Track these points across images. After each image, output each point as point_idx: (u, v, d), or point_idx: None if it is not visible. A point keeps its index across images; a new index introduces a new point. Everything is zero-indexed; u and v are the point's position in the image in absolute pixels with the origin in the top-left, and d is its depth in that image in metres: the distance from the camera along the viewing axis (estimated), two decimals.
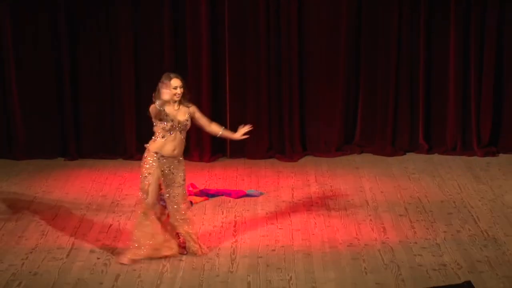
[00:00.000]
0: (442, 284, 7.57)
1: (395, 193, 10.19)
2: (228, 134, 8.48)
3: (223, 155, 11.72)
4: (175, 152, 8.22)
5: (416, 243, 8.71)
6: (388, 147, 11.69)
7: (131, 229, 8.49)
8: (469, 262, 8.21)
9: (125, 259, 8.25)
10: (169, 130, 8.17)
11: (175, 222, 8.34)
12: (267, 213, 9.60)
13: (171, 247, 8.39)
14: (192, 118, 8.30)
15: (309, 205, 9.83)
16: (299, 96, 11.62)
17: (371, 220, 9.38)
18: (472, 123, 11.65)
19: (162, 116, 8.13)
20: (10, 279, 7.94)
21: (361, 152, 11.76)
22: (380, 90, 11.70)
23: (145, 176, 8.22)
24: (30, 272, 8.11)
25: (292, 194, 10.21)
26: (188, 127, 8.27)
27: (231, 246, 8.71)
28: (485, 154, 11.49)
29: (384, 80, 11.66)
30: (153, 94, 8.14)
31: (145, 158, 8.26)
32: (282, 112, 11.60)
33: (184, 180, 8.35)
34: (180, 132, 8.21)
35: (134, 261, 8.21)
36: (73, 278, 7.99)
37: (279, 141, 11.65)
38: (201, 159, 11.51)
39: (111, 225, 9.28)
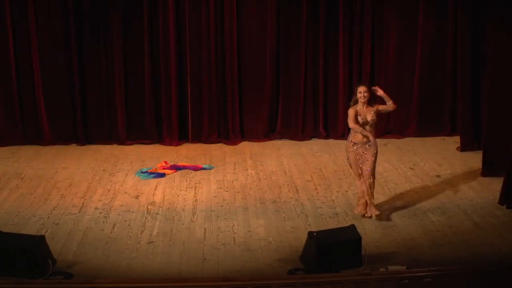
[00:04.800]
0: (335, 227, 7.64)
1: (304, 166, 10.20)
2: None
3: (187, 141, 11.51)
4: (364, 139, 7.93)
5: (318, 199, 8.78)
6: (299, 134, 11.60)
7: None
8: (353, 211, 8.30)
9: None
10: (362, 125, 7.90)
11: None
12: (217, 181, 9.58)
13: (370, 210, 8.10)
14: (379, 113, 7.97)
15: (246, 175, 9.83)
16: (239, 100, 11.50)
17: (288, 184, 9.41)
18: None
19: (356, 115, 7.88)
20: (40, 227, 7.93)
21: (281, 138, 11.62)
22: (294, 94, 11.56)
23: (347, 159, 8.09)
24: (53, 223, 8.10)
25: (234, 168, 10.18)
26: (375, 122, 7.93)
27: (193, 204, 8.72)
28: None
29: (296, 87, 11.53)
30: (351, 101, 8.01)
31: (346, 146, 8.08)
32: (227, 111, 11.48)
33: (373, 157, 7.97)
34: (370, 126, 7.91)
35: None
36: (83, 227, 8.00)
37: (225, 131, 11.53)
38: (171, 143, 11.33)
39: (109, 190, 9.22)
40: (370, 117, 7.93)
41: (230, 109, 11.50)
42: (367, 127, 7.93)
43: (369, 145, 8.00)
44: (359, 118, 7.94)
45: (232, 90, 11.46)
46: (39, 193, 9.07)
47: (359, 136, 7.96)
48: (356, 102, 7.99)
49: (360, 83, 8.26)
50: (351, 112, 7.94)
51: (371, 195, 8.08)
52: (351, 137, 8.05)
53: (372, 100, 8.01)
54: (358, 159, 8.03)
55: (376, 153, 8.06)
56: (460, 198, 8.75)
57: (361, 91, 7.93)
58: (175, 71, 11.30)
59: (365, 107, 7.94)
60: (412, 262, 6.93)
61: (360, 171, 8.06)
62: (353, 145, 8.01)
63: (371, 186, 8.07)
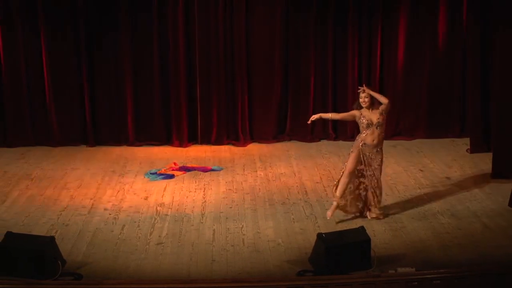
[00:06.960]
0: (345, 228, 7.62)
1: (313, 167, 10.18)
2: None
3: (196, 142, 11.53)
4: (374, 142, 7.96)
5: (327, 201, 8.72)
6: (308, 136, 11.60)
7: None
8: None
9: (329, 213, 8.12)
10: (367, 127, 7.96)
11: (369, 194, 8.10)
12: (226, 182, 9.59)
13: (357, 210, 8.18)
14: (384, 113, 7.98)
15: (255, 176, 9.83)
16: (248, 102, 11.53)
17: (297, 186, 9.40)
18: None
19: (360, 117, 7.96)
20: (50, 229, 7.95)
21: (290, 139, 11.62)
22: (303, 96, 11.57)
23: (349, 154, 8.05)
24: (63, 224, 8.11)
25: (243, 169, 10.18)
26: (382, 124, 7.97)
27: (202, 205, 8.72)
28: None
29: (305, 89, 11.54)
30: (354, 104, 8.09)
31: (354, 143, 8.07)
32: (236, 113, 11.50)
33: (379, 165, 8.04)
34: (377, 128, 7.95)
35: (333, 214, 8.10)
36: (93, 228, 8.01)
37: (234, 133, 11.54)
38: (180, 145, 11.34)
39: (118, 191, 9.24)
40: (375, 119, 7.98)
41: (239, 110, 11.52)
42: (374, 128, 7.96)
43: (377, 150, 8.02)
44: (364, 120, 7.98)
45: (241, 91, 11.48)
46: (49, 194, 9.10)
47: (370, 138, 7.97)
48: (359, 105, 8.05)
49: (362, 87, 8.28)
50: (351, 111, 8.08)
51: (378, 202, 8.15)
52: (360, 137, 8.04)
53: (376, 102, 8.04)
54: (360, 159, 8.02)
55: (382, 160, 8.10)
56: (469, 200, 8.73)
57: (362, 96, 8.02)
58: (184, 72, 11.32)
59: (371, 110, 8.02)
60: (421, 264, 6.91)
61: (353, 170, 8.03)
62: (362, 145, 8.00)
63: (378, 194, 8.13)
